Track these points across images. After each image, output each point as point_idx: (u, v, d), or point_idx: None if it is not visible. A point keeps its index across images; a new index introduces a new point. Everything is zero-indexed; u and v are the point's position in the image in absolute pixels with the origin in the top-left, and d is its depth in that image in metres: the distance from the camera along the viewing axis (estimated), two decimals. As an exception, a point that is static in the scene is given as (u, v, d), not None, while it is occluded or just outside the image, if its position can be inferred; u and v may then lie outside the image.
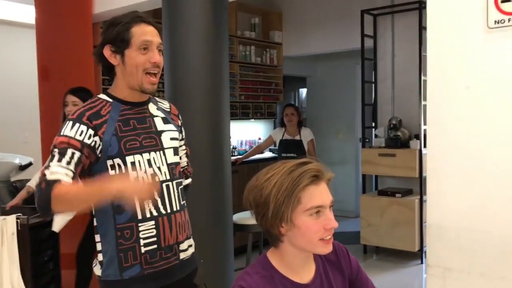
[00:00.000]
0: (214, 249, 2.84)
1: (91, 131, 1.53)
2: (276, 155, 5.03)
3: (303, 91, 8.28)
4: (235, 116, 5.28)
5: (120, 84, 1.63)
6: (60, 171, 1.46)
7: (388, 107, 5.08)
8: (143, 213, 1.58)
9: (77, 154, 1.50)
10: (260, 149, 5.09)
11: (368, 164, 4.80)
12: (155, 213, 1.60)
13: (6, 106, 6.42)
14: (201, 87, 2.80)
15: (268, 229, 1.28)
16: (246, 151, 5.54)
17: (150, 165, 1.60)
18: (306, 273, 1.33)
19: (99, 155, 1.55)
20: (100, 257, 1.62)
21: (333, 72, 6.73)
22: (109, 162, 1.55)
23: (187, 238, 1.73)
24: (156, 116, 1.69)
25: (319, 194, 1.24)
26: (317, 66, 6.89)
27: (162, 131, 1.67)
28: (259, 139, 5.34)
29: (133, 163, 1.56)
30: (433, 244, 1.98)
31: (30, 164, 5.52)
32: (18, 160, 5.52)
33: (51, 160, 1.49)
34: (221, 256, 2.90)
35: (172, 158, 1.67)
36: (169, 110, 1.78)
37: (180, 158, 1.80)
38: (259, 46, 5.74)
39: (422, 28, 4.42)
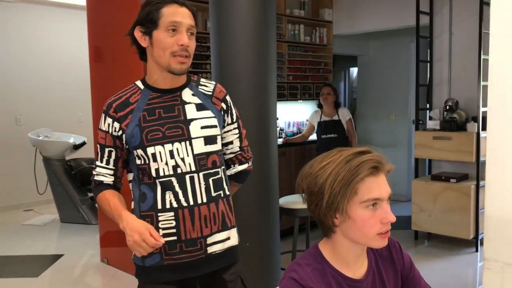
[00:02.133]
0: (260, 232, 2.82)
1: (116, 124, 1.58)
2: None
3: (354, 71, 8.06)
4: (282, 97, 5.20)
5: (151, 68, 1.60)
6: (102, 172, 1.63)
7: (444, 87, 4.84)
8: (163, 203, 1.57)
9: (113, 152, 1.61)
10: (304, 137, 5.04)
11: (422, 147, 4.61)
12: (175, 205, 1.57)
13: (60, 87, 6.65)
14: (247, 68, 2.74)
15: (321, 219, 1.22)
16: (294, 133, 5.47)
17: (172, 156, 1.55)
18: (358, 268, 1.27)
19: (127, 147, 1.60)
20: None
21: (385, 51, 6.48)
22: (135, 153, 1.58)
23: (220, 231, 1.64)
24: (189, 103, 1.61)
25: (377, 186, 1.17)
26: (369, 44, 6.66)
27: (192, 120, 1.59)
28: (307, 120, 5.26)
29: (153, 154, 1.54)
30: (492, 236, 1.86)
31: (83, 143, 5.71)
32: (73, 139, 5.73)
33: (97, 155, 1.65)
34: (268, 239, 2.88)
35: (201, 148, 1.59)
36: (211, 93, 1.68)
37: (232, 142, 1.75)
38: (309, 24, 5.59)
39: (483, 3, 4.14)
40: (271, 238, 2.90)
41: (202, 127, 1.60)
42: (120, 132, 1.57)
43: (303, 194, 1.24)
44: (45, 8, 6.36)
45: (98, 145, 1.63)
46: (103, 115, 1.60)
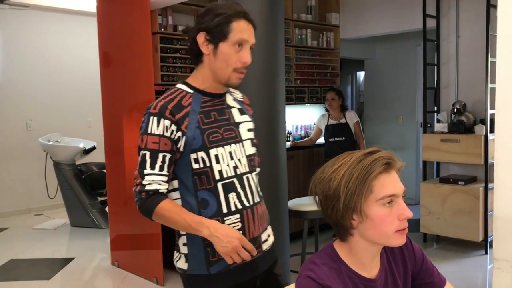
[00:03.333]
0: (269, 235, 2.84)
1: (174, 126, 1.50)
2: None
3: (361, 74, 8.08)
4: (290, 101, 5.23)
5: (205, 74, 1.58)
6: (156, 179, 1.50)
7: (451, 90, 4.85)
8: (228, 207, 1.55)
9: (168, 156, 1.51)
10: (312, 141, 5.07)
11: (430, 150, 4.62)
12: (239, 206, 1.57)
13: (70, 92, 6.72)
14: (256, 72, 2.77)
15: (339, 222, 1.22)
16: (302, 137, 5.50)
17: (231, 157, 1.58)
18: (373, 268, 1.28)
19: (182, 150, 1.53)
20: (184, 249, 1.59)
21: (393, 54, 6.50)
22: (193, 156, 1.52)
23: (266, 228, 1.70)
24: (233, 107, 1.65)
25: (391, 183, 1.18)
26: (376, 48, 6.68)
27: (240, 123, 1.64)
28: (314, 124, 5.28)
29: (216, 156, 1.54)
30: (501, 237, 1.87)
31: (93, 148, 5.77)
32: (83, 144, 5.78)
33: (144, 163, 1.50)
34: (277, 242, 2.88)
35: (250, 150, 1.65)
36: (242, 100, 1.74)
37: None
38: (316, 29, 5.63)
39: (490, 6, 4.16)
40: (281, 241, 2.92)
41: (248, 130, 1.66)
42: (180, 134, 1.51)
43: (318, 200, 1.25)
44: (56, 14, 6.45)
45: (147, 152, 1.50)
46: (155, 118, 1.50)
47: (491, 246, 3.78)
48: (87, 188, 5.62)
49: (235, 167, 1.57)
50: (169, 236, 3.87)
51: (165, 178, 1.51)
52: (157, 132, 1.49)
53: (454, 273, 3.95)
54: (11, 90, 6.19)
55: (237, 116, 1.64)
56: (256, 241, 1.61)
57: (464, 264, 4.19)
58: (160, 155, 1.49)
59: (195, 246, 1.56)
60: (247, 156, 1.63)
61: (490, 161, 4.27)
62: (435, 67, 4.92)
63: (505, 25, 1.84)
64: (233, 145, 1.58)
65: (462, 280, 3.82)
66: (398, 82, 6.45)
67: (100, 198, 5.68)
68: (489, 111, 4.23)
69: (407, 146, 6.39)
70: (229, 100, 1.66)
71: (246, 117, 1.67)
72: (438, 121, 4.81)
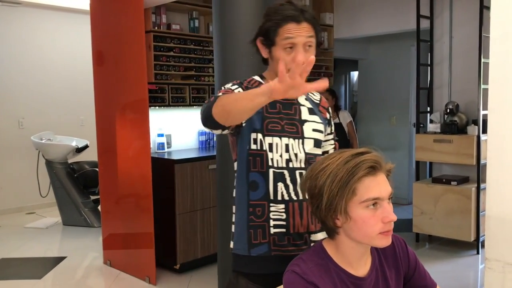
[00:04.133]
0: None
1: None
2: None
3: (355, 74, 8.10)
4: (284, 100, 5.22)
5: (271, 75, 1.64)
6: (230, 90, 1.56)
7: (444, 91, 4.87)
8: (275, 194, 1.57)
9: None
10: None
11: (422, 150, 4.64)
12: (286, 197, 1.58)
13: (63, 90, 6.68)
14: (250, 71, 2.76)
15: (323, 220, 1.25)
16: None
17: (287, 150, 1.59)
18: (362, 266, 1.29)
19: (243, 123, 1.56)
20: (233, 228, 1.65)
21: (386, 55, 6.52)
22: (253, 136, 1.58)
23: (319, 231, 1.64)
24: (303, 105, 1.67)
25: (376, 185, 1.19)
26: (370, 48, 6.70)
27: (306, 121, 1.65)
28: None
29: (270, 145, 1.58)
30: (493, 236, 1.88)
31: (86, 146, 5.74)
32: (75, 142, 5.76)
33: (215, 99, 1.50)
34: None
35: (311, 149, 1.64)
36: (318, 102, 1.75)
37: (328, 152, 1.78)
38: (310, 28, 5.62)
39: (483, 7, 4.18)
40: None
41: (313, 130, 1.66)
42: None
43: (307, 198, 1.28)
44: (49, 12, 6.41)
45: (220, 92, 1.56)
46: (232, 83, 1.62)
47: (483, 246, 3.80)
48: (80, 187, 5.59)
49: (288, 160, 1.59)
50: (162, 236, 3.89)
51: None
52: (231, 88, 1.59)
53: (446, 273, 3.97)
54: (3, 87, 6.14)
55: (305, 115, 1.66)
56: (303, 237, 1.61)
57: (456, 264, 4.21)
58: (236, 90, 1.57)
59: (240, 226, 1.60)
60: (306, 153, 1.63)
61: (482, 161, 4.29)
62: (429, 67, 4.94)
63: (497, 26, 1.85)
64: (291, 139, 1.60)
65: (454, 280, 3.84)
66: (392, 82, 6.47)
67: (92, 197, 5.65)
68: (482, 112, 4.25)
69: (400, 146, 6.42)
70: (301, 98, 1.69)
71: (315, 118, 1.68)
72: (431, 121, 4.84)
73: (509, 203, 1.83)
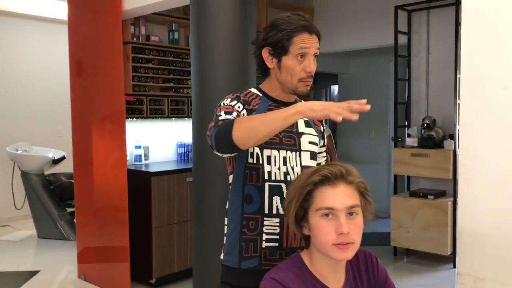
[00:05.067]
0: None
1: (244, 111, 1.58)
2: None
3: (335, 88, 8.17)
4: (264, 113, 5.23)
5: (274, 85, 1.65)
6: (229, 116, 1.50)
7: (422, 105, 4.93)
8: (270, 208, 1.58)
9: (241, 108, 1.58)
10: None
11: (400, 164, 4.68)
12: (281, 211, 1.58)
13: (40, 101, 6.59)
14: (227, 83, 2.76)
15: (296, 229, 1.31)
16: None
17: (284, 163, 1.60)
18: (337, 281, 1.30)
19: None
20: (225, 240, 1.66)
21: (365, 69, 6.60)
22: (250, 149, 1.58)
23: None
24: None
25: (333, 196, 1.22)
26: (349, 62, 6.77)
27: (302, 133, 1.67)
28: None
29: (269, 157, 1.58)
30: (464, 251, 1.89)
31: (63, 158, 5.65)
32: (52, 154, 5.66)
33: (216, 120, 1.49)
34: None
35: (307, 162, 1.65)
36: None
37: (320, 164, 1.78)
38: (290, 42, 5.66)
39: (458, 24, 4.26)
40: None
41: (310, 142, 1.68)
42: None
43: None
44: (26, 21, 6.34)
45: (221, 112, 1.52)
46: (230, 99, 1.59)
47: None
48: (56, 199, 5.48)
49: (286, 173, 1.59)
50: (138, 249, 3.82)
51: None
52: (231, 104, 1.58)
53: (423, 286, 3.98)
54: (-21, 97, 6.03)
55: (302, 127, 1.68)
56: (295, 251, 1.58)
57: (433, 277, 4.22)
58: (234, 113, 1.54)
59: (232, 238, 1.61)
60: (303, 167, 1.64)
61: (459, 176, 4.33)
62: (406, 82, 5.01)
63: (468, 42, 1.88)
64: (289, 152, 1.61)
65: (430, 293, 3.86)
66: (371, 97, 6.49)
67: (68, 209, 5.55)
68: (458, 127, 4.29)
69: (379, 160, 6.47)
70: None
71: (311, 130, 1.70)
72: (409, 135, 4.89)
73: (480, 218, 1.84)
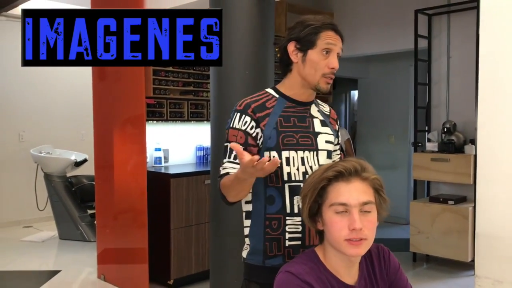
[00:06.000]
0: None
1: (253, 123, 1.61)
2: None
3: (355, 93, 8.14)
4: (283, 117, 5.24)
5: (293, 81, 1.68)
6: (228, 166, 1.60)
7: (442, 110, 4.88)
8: (292, 208, 1.61)
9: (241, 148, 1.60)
10: None
11: (420, 169, 4.63)
12: None
13: (63, 104, 6.73)
14: (245, 86, 2.79)
15: (310, 223, 1.33)
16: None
17: (303, 163, 1.63)
18: (351, 275, 1.31)
19: (260, 146, 1.63)
20: (247, 241, 1.68)
21: (385, 74, 6.56)
22: (266, 154, 1.62)
23: None
24: (316, 117, 1.72)
25: (347, 192, 1.23)
26: (369, 67, 6.74)
27: (319, 133, 1.70)
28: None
29: (287, 158, 1.62)
30: (483, 254, 1.88)
31: (85, 160, 5.75)
32: (74, 156, 5.76)
33: (224, 156, 1.63)
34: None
35: (324, 161, 1.68)
36: (328, 113, 1.80)
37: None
38: (309, 47, 5.67)
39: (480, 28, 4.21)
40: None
41: (326, 141, 1.71)
42: (259, 131, 1.62)
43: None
44: (52, 27, 6.48)
45: (227, 144, 1.63)
46: (238, 114, 1.63)
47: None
48: (77, 201, 5.58)
49: (305, 173, 1.62)
50: (156, 250, 3.86)
51: (238, 166, 1.56)
52: (237, 127, 1.62)
53: (442, 293, 3.93)
54: (5, 100, 6.19)
55: (318, 127, 1.70)
56: None
57: (453, 284, 4.16)
58: (243, 120, 1.61)
59: (256, 238, 1.64)
60: (320, 166, 1.66)
61: (477, 178, 4.27)
62: (426, 86, 4.97)
63: (486, 44, 1.87)
64: (306, 152, 1.64)
65: (450, 300, 3.80)
66: (391, 101, 6.49)
67: (89, 211, 5.64)
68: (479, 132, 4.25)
69: (399, 165, 6.41)
70: (313, 110, 1.73)
71: (327, 130, 1.73)
72: (429, 140, 4.84)
73: (499, 220, 1.83)
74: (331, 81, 1.65)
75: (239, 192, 1.55)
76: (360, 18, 5.55)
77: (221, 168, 1.61)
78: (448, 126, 4.53)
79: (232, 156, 1.59)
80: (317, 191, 1.25)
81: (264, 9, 2.85)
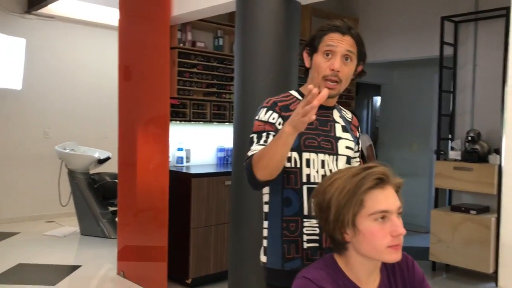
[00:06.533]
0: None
1: (280, 119, 1.62)
2: None
3: (378, 100, 8.08)
4: (304, 121, 5.24)
5: (311, 82, 1.69)
6: (257, 148, 1.58)
7: (466, 118, 4.82)
8: (309, 210, 1.60)
9: (272, 133, 1.60)
10: None
11: (442, 177, 4.58)
12: None
13: (89, 103, 6.85)
14: (269, 90, 2.81)
15: (332, 235, 1.26)
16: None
17: (323, 166, 1.64)
18: (371, 283, 1.29)
19: None
20: (265, 243, 1.68)
21: (409, 80, 6.51)
22: (288, 154, 1.60)
23: None
24: (338, 122, 1.73)
25: (385, 199, 1.20)
26: (393, 73, 6.69)
27: (340, 138, 1.70)
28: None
29: (308, 160, 1.62)
30: (506, 265, 1.85)
31: (108, 158, 5.84)
32: (98, 154, 5.86)
33: (251, 144, 1.61)
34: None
35: (343, 166, 1.68)
36: (350, 120, 1.81)
37: None
38: (333, 51, 5.65)
39: (508, 35, 4.15)
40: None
41: (346, 147, 1.71)
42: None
43: (316, 213, 1.30)
44: (79, 26, 6.62)
45: (254, 134, 1.62)
46: (265, 109, 1.64)
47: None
48: (99, 198, 5.67)
49: (324, 176, 1.62)
50: (176, 249, 3.90)
51: None
52: (264, 119, 1.62)
53: (462, 303, 3.88)
54: (32, 97, 6.33)
55: (339, 132, 1.71)
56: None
57: (473, 295, 4.10)
58: (264, 134, 1.60)
59: (274, 241, 1.64)
60: (333, 173, 1.66)
61: (502, 187, 4.21)
62: (451, 94, 4.91)
63: (515, 52, 1.85)
64: (327, 155, 1.65)
65: (470, 311, 3.75)
66: (414, 108, 6.43)
67: (111, 208, 5.72)
68: (505, 141, 4.18)
69: (421, 173, 6.34)
70: (336, 115, 1.74)
71: (348, 135, 1.73)
72: (452, 148, 4.78)
73: (523, 231, 1.80)
74: (335, 86, 1.61)
75: (272, 156, 1.46)
76: (385, 24, 5.52)
77: (248, 153, 1.58)
78: (472, 134, 4.48)
79: (262, 141, 1.59)
80: (356, 199, 1.19)
81: (291, 13, 2.86)
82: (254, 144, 1.59)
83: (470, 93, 4.78)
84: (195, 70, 4.33)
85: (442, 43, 4.68)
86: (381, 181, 1.21)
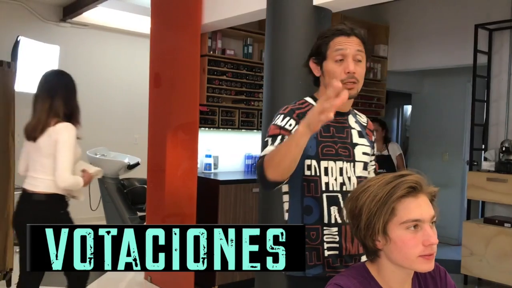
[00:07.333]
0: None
1: (297, 126, 1.58)
2: None
3: (408, 108, 7.96)
4: (333, 129, 5.20)
5: (325, 90, 1.66)
6: (271, 149, 1.57)
7: (500, 128, 4.70)
8: (329, 218, 1.61)
9: (287, 136, 1.58)
10: None
11: (475, 188, 4.47)
12: (339, 220, 1.62)
13: (119, 109, 6.97)
14: (298, 97, 2.78)
15: (363, 242, 1.25)
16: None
17: (341, 173, 1.64)
18: None
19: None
20: None
21: (441, 89, 6.38)
22: (307, 162, 1.62)
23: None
24: (353, 128, 1.73)
25: (417, 207, 1.18)
26: (424, 82, 6.59)
27: (356, 144, 1.70)
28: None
29: (326, 168, 1.62)
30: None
31: (137, 164, 5.91)
32: (127, 159, 5.94)
33: (265, 147, 1.60)
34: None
35: (361, 172, 1.69)
36: (365, 124, 1.81)
37: (369, 173, 1.82)
38: (363, 59, 5.61)
39: (545, 44, 4.04)
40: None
41: (363, 153, 1.72)
42: None
43: (348, 219, 1.29)
44: (112, 34, 6.75)
45: (269, 138, 1.60)
46: (282, 116, 1.62)
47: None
48: (128, 203, 5.73)
49: (342, 184, 1.63)
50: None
51: None
52: (280, 124, 1.61)
53: (495, 319, 3.76)
54: (65, 103, 6.46)
55: (355, 138, 1.71)
56: (353, 259, 1.63)
57: (507, 311, 3.97)
58: (279, 137, 1.58)
59: None
60: (358, 177, 1.67)
61: (539, 204, 4.08)
62: (485, 104, 4.80)
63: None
64: (345, 162, 1.65)
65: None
66: (445, 118, 6.31)
67: (139, 213, 5.78)
68: (540, 152, 4.06)
69: (452, 184, 6.20)
70: (351, 121, 1.74)
71: (364, 141, 1.73)
72: (485, 159, 4.66)
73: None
74: (354, 86, 1.60)
75: (283, 156, 1.42)
76: (416, 31, 5.45)
77: (261, 153, 1.57)
78: (507, 145, 4.36)
79: (276, 143, 1.57)
80: (387, 207, 1.18)
81: (321, 20, 2.85)
82: (268, 146, 1.58)
83: (504, 103, 4.66)
84: (224, 77, 4.36)
85: (476, 51, 4.59)
86: (413, 190, 1.19)
